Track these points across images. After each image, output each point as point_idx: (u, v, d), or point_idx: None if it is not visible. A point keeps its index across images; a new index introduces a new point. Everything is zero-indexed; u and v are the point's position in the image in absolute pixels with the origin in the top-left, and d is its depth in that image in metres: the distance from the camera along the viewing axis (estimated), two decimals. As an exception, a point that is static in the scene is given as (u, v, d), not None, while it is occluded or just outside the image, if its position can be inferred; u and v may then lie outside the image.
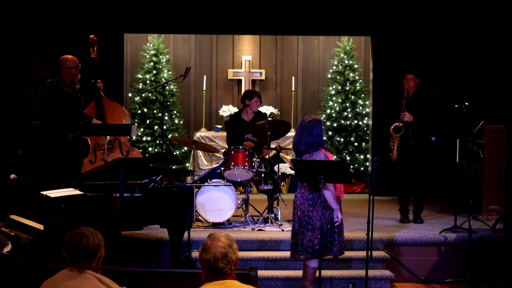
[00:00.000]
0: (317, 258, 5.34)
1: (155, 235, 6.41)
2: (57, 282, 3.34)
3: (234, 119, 7.70)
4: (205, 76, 10.25)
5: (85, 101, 7.04)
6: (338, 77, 10.38)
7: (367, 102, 10.25)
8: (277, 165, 7.13)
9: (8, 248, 5.30)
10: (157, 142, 9.94)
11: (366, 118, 10.22)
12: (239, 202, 7.03)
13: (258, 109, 7.69)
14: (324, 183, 5.26)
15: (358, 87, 10.34)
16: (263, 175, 6.96)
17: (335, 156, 10.05)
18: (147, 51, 10.24)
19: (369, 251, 5.81)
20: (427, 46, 9.43)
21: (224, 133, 9.43)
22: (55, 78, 6.85)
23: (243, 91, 10.23)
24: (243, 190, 7.52)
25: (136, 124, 9.91)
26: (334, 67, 10.45)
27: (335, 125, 10.23)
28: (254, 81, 10.48)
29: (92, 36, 7.16)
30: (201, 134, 9.77)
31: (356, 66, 10.39)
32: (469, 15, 9.29)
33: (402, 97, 7.26)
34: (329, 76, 10.51)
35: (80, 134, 6.73)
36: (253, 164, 6.91)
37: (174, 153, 10.08)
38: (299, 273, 6.12)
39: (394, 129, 7.16)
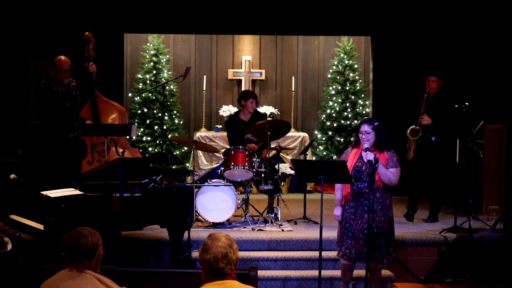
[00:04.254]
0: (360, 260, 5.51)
1: (155, 235, 6.41)
2: (57, 282, 3.34)
3: (233, 120, 7.70)
4: (205, 76, 10.25)
5: (82, 99, 7.03)
6: (338, 77, 10.38)
7: (367, 102, 10.25)
8: (277, 165, 7.13)
9: (8, 248, 5.29)
10: (157, 142, 9.94)
11: (366, 118, 10.21)
12: (239, 202, 7.03)
13: (256, 109, 7.70)
14: (324, 183, 5.27)
15: (358, 87, 10.33)
16: (263, 175, 6.96)
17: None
18: (147, 51, 10.24)
19: (369, 251, 5.79)
20: (427, 46, 9.43)
21: (224, 133, 9.43)
22: (48, 79, 6.85)
23: (243, 91, 10.25)
24: (243, 190, 7.52)
25: (136, 124, 9.91)
26: (334, 67, 10.44)
27: (335, 125, 10.23)
28: (254, 81, 10.48)
29: (87, 33, 7.05)
30: (201, 134, 9.77)
31: (356, 66, 10.39)
32: (469, 15, 9.29)
33: (422, 99, 7.26)
34: (329, 76, 10.50)
35: (80, 134, 6.73)
36: (253, 164, 6.91)
37: (174, 153, 10.08)
38: (299, 273, 6.13)
39: (411, 132, 7.17)
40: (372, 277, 5.52)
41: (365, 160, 5.35)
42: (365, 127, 5.32)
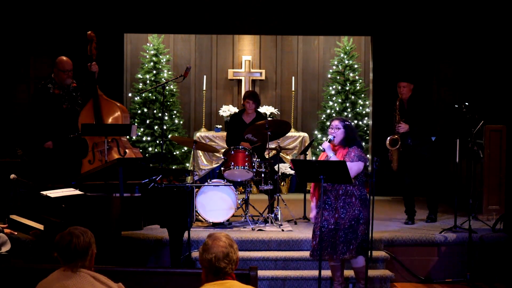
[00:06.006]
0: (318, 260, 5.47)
1: (155, 235, 6.41)
2: (53, 282, 3.34)
3: (235, 119, 7.69)
4: (205, 76, 10.25)
5: (83, 99, 7.05)
6: (338, 77, 10.38)
7: (367, 102, 10.25)
8: (277, 165, 7.12)
9: (7, 248, 5.29)
10: (157, 142, 9.94)
11: (366, 118, 10.22)
12: (239, 202, 7.03)
13: (258, 110, 7.67)
14: (324, 183, 5.28)
15: (358, 87, 10.33)
16: (263, 175, 6.96)
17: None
18: (147, 51, 10.24)
19: (369, 251, 5.80)
20: (428, 46, 9.43)
21: (224, 133, 9.43)
22: (47, 80, 6.90)
23: (243, 91, 10.24)
24: (243, 190, 7.52)
25: (136, 124, 9.91)
26: (334, 67, 10.45)
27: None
28: (254, 81, 10.48)
29: (90, 32, 7.10)
30: (201, 134, 9.77)
31: (356, 66, 10.39)
32: (469, 15, 9.29)
33: (395, 108, 7.20)
34: (329, 76, 10.50)
35: (80, 134, 6.74)
36: (253, 164, 6.91)
37: (174, 153, 10.08)
38: (299, 273, 6.13)
39: (390, 143, 7.06)
40: (357, 277, 5.59)
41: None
42: (336, 122, 5.54)
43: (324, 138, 10.25)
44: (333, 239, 5.40)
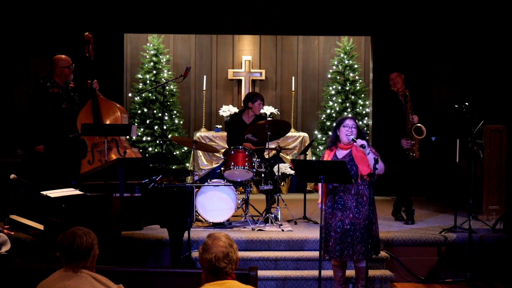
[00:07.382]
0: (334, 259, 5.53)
1: (155, 235, 6.41)
2: (53, 283, 3.34)
3: (235, 119, 7.66)
4: (205, 76, 10.25)
5: (80, 100, 7.07)
6: (338, 77, 10.38)
7: (367, 102, 10.25)
8: (277, 165, 7.12)
9: (7, 248, 5.29)
10: (157, 142, 9.94)
11: (366, 118, 10.22)
12: (239, 202, 7.03)
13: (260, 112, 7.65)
14: (324, 183, 5.28)
15: (358, 87, 10.34)
16: (263, 175, 6.96)
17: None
18: (147, 51, 10.24)
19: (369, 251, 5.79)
20: (427, 46, 9.43)
21: (224, 133, 9.43)
22: (45, 79, 6.92)
23: (243, 91, 10.24)
24: (243, 190, 7.52)
25: (136, 124, 9.91)
26: (334, 67, 10.45)
27: (335, 125, 10.20)
28: (254, 81, 10.48)
29: (87, 33, 7.13)
30: (201, 134, 9.77)
31: (356, 66, 10.39)
32: (469, 15, 9.29)
33: (406, 100, 7.17)
34: (329, 76, 10.51)
35: (80, 134, 6.74)
36: (253, 164, 6.91)
37: (174, 153, 10.08)
38: (298, 273, 6.13)
39: (415, 131, 7.05)
40: (358, 276, 5.57)
41: (345, 157, 5.49)
42: (352, 122, 5.59)
43: (324, 138, 10.26)
44: (350, 239, 5.38)
